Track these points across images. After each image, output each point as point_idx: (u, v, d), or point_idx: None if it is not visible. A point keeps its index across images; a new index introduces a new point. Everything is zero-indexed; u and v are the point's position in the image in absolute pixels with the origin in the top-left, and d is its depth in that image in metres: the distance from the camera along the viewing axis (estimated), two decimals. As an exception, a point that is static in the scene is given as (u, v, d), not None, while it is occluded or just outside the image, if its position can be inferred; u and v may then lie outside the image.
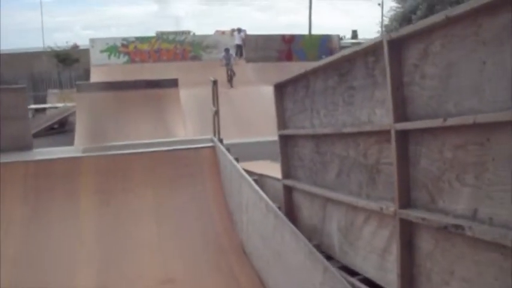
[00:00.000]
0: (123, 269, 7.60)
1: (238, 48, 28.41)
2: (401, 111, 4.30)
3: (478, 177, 3.53)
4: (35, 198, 8.88)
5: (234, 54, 24.25)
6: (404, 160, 4.27)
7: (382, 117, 4.62)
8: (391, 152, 4.39)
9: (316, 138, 5.90)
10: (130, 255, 7.84)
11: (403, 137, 4.28)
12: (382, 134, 4.56)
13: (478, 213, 3.54)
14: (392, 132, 4.30)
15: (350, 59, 5.09)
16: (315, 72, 5.75)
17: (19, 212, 8.66)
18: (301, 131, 6.25)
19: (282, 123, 6.76)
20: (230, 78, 23.03)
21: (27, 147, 10.55)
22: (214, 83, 9.98)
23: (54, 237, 8.26)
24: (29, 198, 8.89)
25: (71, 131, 18.01)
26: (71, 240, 8.18)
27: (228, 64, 23.32)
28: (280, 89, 6.86)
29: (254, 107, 18.38)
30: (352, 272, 5.25)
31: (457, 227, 3.64)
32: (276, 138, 9.56)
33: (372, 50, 4.71)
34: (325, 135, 5.66)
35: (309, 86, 5.95)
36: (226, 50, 23.94)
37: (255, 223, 7.18)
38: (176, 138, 12.79)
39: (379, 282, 4.85)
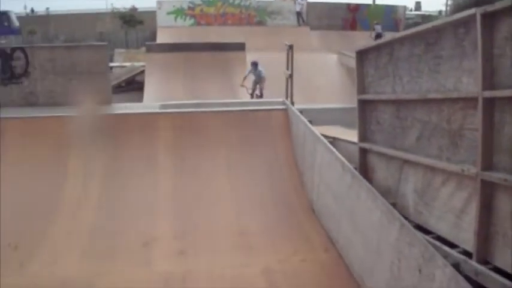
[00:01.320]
0: (197, 221, 8.00)
1: (299, 15, 28.38)
2: (489, 81, 4.49)
3: None
4: (114, 149, 9.45)
5: (263, 71, 14.97)
6: (489, 126, 4.47)
7: (469, 85, 4.80)
8: (476, 118, 4.58)
9: (397, 103, 6.11)
10: (204, 209, 8.27)
11: (490, 104, 4.47)
12: (468, 101, 4.75)
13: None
14: (480, 100, 4.49)
15: (439, 30, 5.25)
16: (401, 40, 5.93)
17: (100, 162, 9.23)
18: (382, 96, 6.46)
19: (361, 88, 6.97)
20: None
21: (107, 102, 11.11)
22: (290, 47, 10.20)
23: (132, 187, 8.75)
24: (109, 149, 9.45)
25: (138, 89, 18.47)
26: (148, 191, 8.67)
27: (257, 82, 15.12)
28: (362, 55, 7.05)
29: (319, 74, 18.53)
30: (426, 232, 5.48)
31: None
32: (343, 105, 9.81)
33: (463, 22, 4.88)
34: (407, 101, 5.86)
35: (392, 53, 6.13)
36: (254, 65, 15.24)
37: (328, 183, 7.47)
38: (245, 99, 13.10)
39: (453, 240, 5.08)
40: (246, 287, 6.35)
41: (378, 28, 25.76)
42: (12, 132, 9.53)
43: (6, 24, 35.70)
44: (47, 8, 40.63)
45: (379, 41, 6.48)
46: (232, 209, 8.28)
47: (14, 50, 11.11)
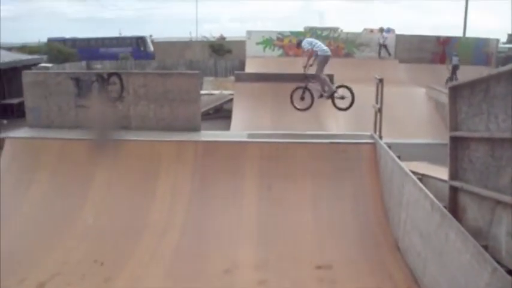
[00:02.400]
0: (280, 250, 8.08)
1: (382, 47, 28.13)
2: None
3: None
4: (202, 175, 9.70)
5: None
6: None
7: None
8: None
9: (492, 141, 5.94)
10: (288, 238, 8.34)
11: None
12: None
13: None
14: None
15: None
16: (497, 76, 5.79)
17: (188, 187, 9.51)
18: (476, 134, 6.30)
19: (454, 125, 6.83)
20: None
21: (196, 129, 11.44)
22: (380, 80, 10.16)
23: (217, 212, 8.98)
24: (197, 176, 9.71)
25: (226, 117, 18.84)
26: (232, 218, 8.86)
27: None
28: (455, 92, 6.92)
29: (407, 108, 18.23)
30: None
31: None
32: (432, 141, 9.59)
33: None
34: (503, 140, 5.69)
35: (488, 90, 5.99)
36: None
37: (415, 221, 7.32)
38: (332, 132, 13.09)
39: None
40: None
41: (455, 60, 25.03)
42: (106, 155, 10.03)
43: (142, 48, 38.10)
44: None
45: (474, 78, 6.32)
46: (316, 241, 8.31)
47: (110, 75, 11.67)
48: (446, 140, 7.30)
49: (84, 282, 7.04)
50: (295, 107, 12.05)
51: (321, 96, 11.80)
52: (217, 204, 9.13)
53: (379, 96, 10.34)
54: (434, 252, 6.49)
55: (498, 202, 5.79)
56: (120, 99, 11.55)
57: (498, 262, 5.26)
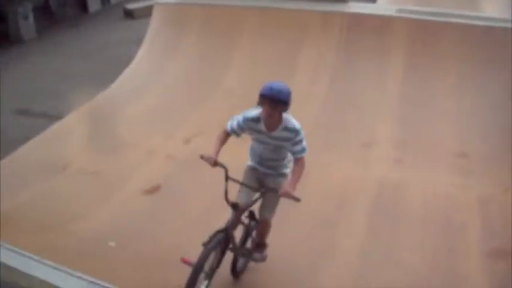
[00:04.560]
0: (420, 133, 7.93)
1: None
2: None
3: None
4: (346, 50, 9.51)
5: None
6: None
7: None
8: None
9: None
10: (428, 123, 8.11)
11: None
12: None
13: None
14: None
15: None
16: None
17: (331, 60, 9.42)
18: None
19: None
20: None
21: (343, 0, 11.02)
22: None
23: (359, 87, 8.85)
24: (341, 49, 9.52)
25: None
26: (374, 94, 8.69)
27: None
28: None
29: None
30: None
31: None
32: None
33: None
34: None
35: None
36: None
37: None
38: (488, 14, 12.02)
39: None
40: (459, 210, 6.22)
41: None
42: (251, 22, 10.04)
43: None
44: None
45: None
46: (456, 128, 7.97)
47: None
48: None
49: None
50: None
51: None
52: (361, 79, 8.98)
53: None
54: None
55: None
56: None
57: None
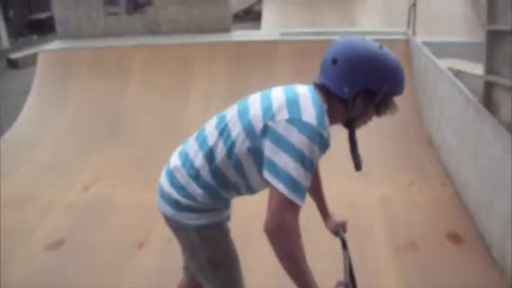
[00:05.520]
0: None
1: None
2: None
3: None
4: (235, 76, 9.75)
5: None
6: None
7: None
8: None
9: (530, 34, 5.81)
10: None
11: None
12: None
13: None
14: None
15: None
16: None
17: (222, 88, 9.59)
18: (513, 27, 6.15)
19: (491, 17, 6.62)
20: None
21: (227, 30, 11.36)
22: (414, -27, 9.81)
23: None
24: (230, 76, 9.76)
25: (256, 19, 18.54)
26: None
27: None
28: (493, -17, 6.66)
29: (441, 5, 17.54)
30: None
31: None
32: (466, 39, 9.41)
33: None
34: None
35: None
36: None
37: (449, 117, 7.33)
38: (365, 29, 12.82)
39: None
40: (364, 215, 6.48)
41: None
42: (139, 61, 10.09)
43: None
44: None
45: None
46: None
47: (137, -21, 11.49)
48: (481, 39, 7.12)
49: (126, 184, 7.33)
50: None
51: None
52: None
53: (414, -9, 10.02)
54: (468, 148, 6.53)
55: (534, 96, 5.74)
56: (149, 3, 11.44)
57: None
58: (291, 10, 16.85)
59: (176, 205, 2.63)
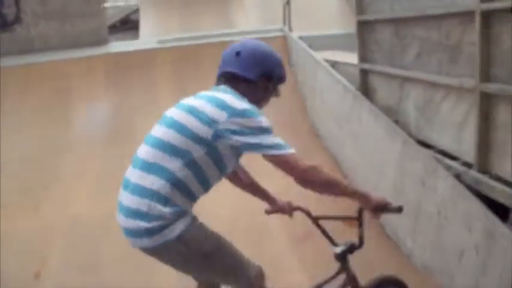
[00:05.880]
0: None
1: None
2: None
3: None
4: (116, 88, 9.52)
5: None
6: (486, 39, 4.52)
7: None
8: (474, 32, 4.62)
9: (396, 21, 6.12)
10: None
11: (487, 17, 4.50)
12: (466, 15, 4.77)
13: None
14: (478, 12, 4.51)
15: None
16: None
17: (102, 99, 9.36)
18: (381, 16, 6.47)
19: (360, 9, 6.95)
20: None
21: (104, 42, 11.08)
22: (286, -31, 10.06)
23: (138, 121, 8.85)
24: (111, 89, 9.52)
25: (134, 28, 18.21)
26: (153, 123, 8.75)
27: None
28: (358, -25, 7.00)
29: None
30: (428, 146, 5.61)
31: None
32: (341, 31, 9.83)
33: None
34: (406, 19, 5.89)
35: (389, -31, 6.11)
36: None
37: (330, 106, 7.59)
38: (242, 29, 12.96)
39: (454, 152, 5.23)
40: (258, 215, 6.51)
41: None
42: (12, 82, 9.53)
43: None
44: None
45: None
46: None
47: (3, -3, 10.82)
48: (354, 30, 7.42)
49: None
50: None
51: None
52: (135, 113, 8.97)
53: (286, -13, 10.29)
54: (350, 134, 6.81)
55: (405, 79, 6.07)
56: (18, 21, 10.88)
57: (409, 135, 5.61)
58: (168, 16, 16.66)
59: (149, 233, 2.69)
